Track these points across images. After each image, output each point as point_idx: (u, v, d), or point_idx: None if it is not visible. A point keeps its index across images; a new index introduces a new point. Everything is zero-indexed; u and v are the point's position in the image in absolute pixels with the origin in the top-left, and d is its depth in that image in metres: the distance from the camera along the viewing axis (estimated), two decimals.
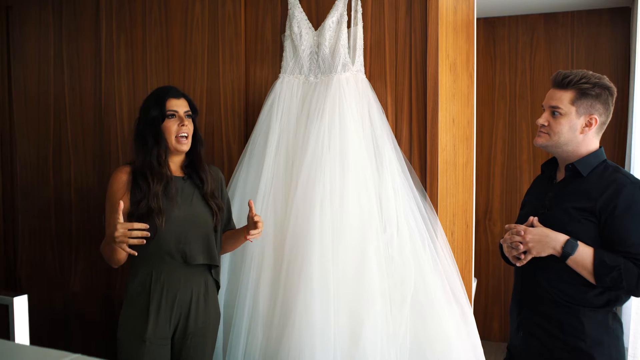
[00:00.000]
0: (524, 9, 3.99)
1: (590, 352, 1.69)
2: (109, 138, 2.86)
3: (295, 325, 2.10)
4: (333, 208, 2.20)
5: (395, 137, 2.36)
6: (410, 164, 2.37)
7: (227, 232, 2.22)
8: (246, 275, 2.31)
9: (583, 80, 1.73)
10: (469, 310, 2.31)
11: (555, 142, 1.77)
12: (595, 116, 1.74)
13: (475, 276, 3.74)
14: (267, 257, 2.28)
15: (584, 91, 1.73)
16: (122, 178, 2.03)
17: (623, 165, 3.75)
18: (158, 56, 2.75)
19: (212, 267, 2.12)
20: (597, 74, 1.77)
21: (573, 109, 1.74)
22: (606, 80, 1.76)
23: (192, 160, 2.13)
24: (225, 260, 2.39)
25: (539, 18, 4.06)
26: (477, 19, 4.10)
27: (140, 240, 1.82)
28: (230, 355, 2.28)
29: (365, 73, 2.42)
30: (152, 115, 2.02)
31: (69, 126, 2.97)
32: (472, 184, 2.97)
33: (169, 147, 2.04)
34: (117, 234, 1.79)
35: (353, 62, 2.36)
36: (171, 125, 2.03)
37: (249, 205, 2.04)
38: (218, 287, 2.19)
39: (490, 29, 4.19)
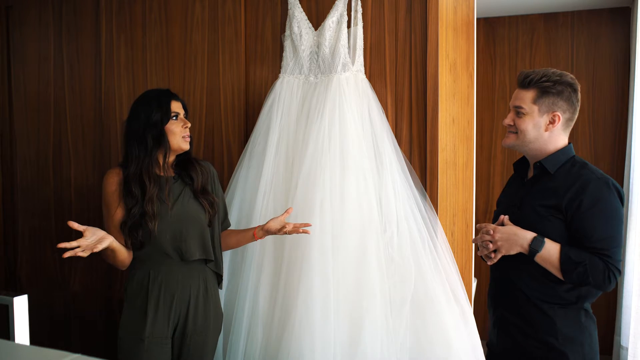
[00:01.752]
0: (524, 9, 3.99)
1: (562, 349, 1.71)
2: (109, 138, 2.86)
3: (295, 325, 2.10)
4: (333, 208, 2.20)
5: (395, 137, 2.36)
6: (410, 164, 2.37)
7: (232, 230, 2.23)
8: (246, 275, 2.31)
9: (544, 79, 1.75)
10: (469, 310, 2.30)
11: (522, 141, 1.79)
12: (558, 113, 1.75)
13: (475, 276, 3.74)
14: (267, 257, 2.28)
15: (545, 89, 1.75)
16: (113, 181, 2.02)
17: (623, 165, 3.75)
18: (158, 56, 2.75)
19: (208, 262, 2.13)
20: (560, 72, 1.78)
21: (535, 108, 1.76)
22: (568, 77, 1.77)
23: (182, 159, 2.13)
24: (226, 260, 2.38)
25: (539, 18, 4.07)
26: (477, 19, 4.10)
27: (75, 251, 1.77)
28: (230, 355, 2.28)
29: (365, 73, 2.42)
30: (156, 117, 2.01)
31: (69, 126, 2.97)
32: (472, 184, 2.97)
33: (171, 147, 2.05)
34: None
35: (353, 62, 2.36)
36: (175, 127, 2.04)
37: (287, 212, 2.08)
38: (221, 279, 2.19)
39: (490, 29, 4.19)
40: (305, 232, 2.06)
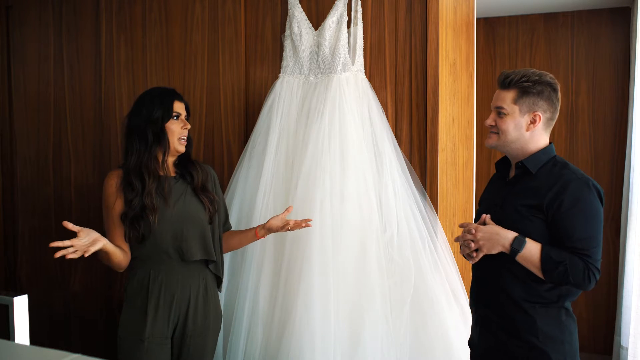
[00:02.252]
0: (524, 9, 3.99)
1: (543, 347, 1.72)
2: (109, 138, 2.86)
3: (295, 325, 2.10)
4: (333, 208, 2.20)
5: (395, 137, 2.36)
6: (410, 164, 2.37)
7: (234, 231, 2.23)
8: (246, 275, 2.31)
9: (523, 79, 1.77)
10: (469, 310, 2.31)
11: (503, 141, 1.80)
12: (539, 113, 1.77)
13: None
14: (267, 257, 2.28)
15: (525, 89, 1.76)
16: (113, 183, 2.04)
17: (623, 165, 3.76)
18: (158, 56, 2.75)
19: (210, 263, 2.13)
20: (539, 71, 1.80)
21: (516, 108, 1.77)
22: (548, 77, 1.79)
23: (182, 159, 2.14)
24: (226, 260, 2.38)
25: (539, 18, 4.06)
26: (477, 19, 4.09)
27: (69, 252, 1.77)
28: (230, 355, 2.28)
29: (365, 73, 2.41)
30: (157, 114, 2.03)
31: (69, 126, 2.97)
32: (472, 184, 2.97)
33: (169, 147, 2.05)
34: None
35: (353, 62, 2.36)
36: (175, 127, 2.05)
37: (287, 210, 2.09)
38: (220, 282, 2.19)
39: (490, 29, 4.19)
40: (307, 225, 2.06)
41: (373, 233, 2.19)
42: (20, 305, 1.66)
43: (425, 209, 2.29)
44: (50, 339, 2.99)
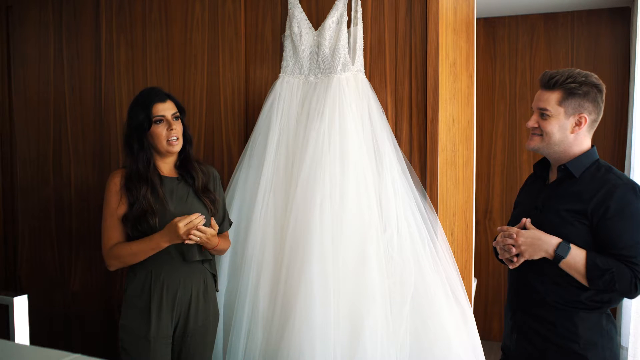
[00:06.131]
0: (524, 9, 3.99)
1: (584, 354, 1.68)
2: (109, 138, 2.86)
3: (295, 325, 2.10)
4: (333, 208, 2.20)
5: (395, 137, 2.36)
6: (410, 164, 2.37)
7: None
8: (246, 275, 2.31)
9: (569, 80, 1.71)
10: (469, 310, 2.30)
11: (547, 143, 1.75)
12: (585, 115, 1.72)
13: (475, 276, 3.74)
14: (267, 257, 2.28)
15: (571, 91, 1.71)
16: (116, 182, 2.07)
17: (623, 165, 3.76)
18: (158, 56, 2.75)
19: (205, 262, 2.15)
20: (584, 72, 1.74)
21: (561, 110, 1.72)
22: (593, 77, 1.74)
23: (182, 159, 2.15)
24: (226, 260, 2.39)
25: (539, 18, 4.07)
26: (477, 19, 4.10)
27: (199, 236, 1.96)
28: (230, 355, 2.28)
29: (365, 73, 2.41)
30: (139, 121, 2.05)
31: (69, 126, 2.97)
32: (472, 184, 2.97)
33: (160, 150, 2.07)
34: (180, 231, 1.91)
35: (353, 62, 2.36)
36: (160, 131, 2.05)
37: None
38: (215, 280, 2.21)
39: (490, 29, 4.19)
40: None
41: (373, 233, 2.19)
42: (20, 305, 1.67)
43: (425, 209, 2.29)
44: (50, 339, 2.99)
